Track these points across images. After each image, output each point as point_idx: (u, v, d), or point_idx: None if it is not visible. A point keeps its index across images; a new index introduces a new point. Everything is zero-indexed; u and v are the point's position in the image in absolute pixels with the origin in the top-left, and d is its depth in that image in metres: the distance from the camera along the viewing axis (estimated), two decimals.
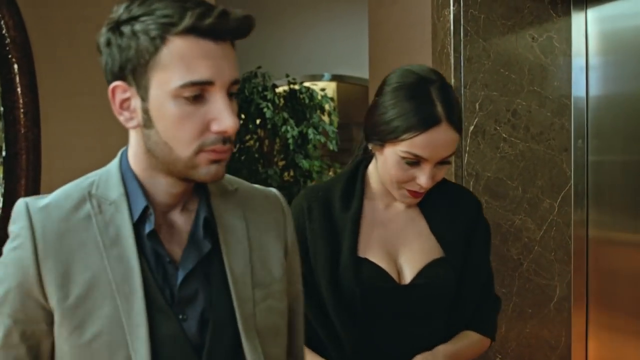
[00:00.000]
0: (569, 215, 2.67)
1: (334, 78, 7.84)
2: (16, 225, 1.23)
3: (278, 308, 1.38)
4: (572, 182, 2.66)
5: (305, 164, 6.73)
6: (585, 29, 2.63)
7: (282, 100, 6.91)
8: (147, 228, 1.24)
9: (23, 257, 1.21)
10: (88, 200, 1.25)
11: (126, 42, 1.18)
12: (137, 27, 1.17)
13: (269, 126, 6.68)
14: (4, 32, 4.00)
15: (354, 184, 1.82)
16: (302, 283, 1.55)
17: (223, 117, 1.18)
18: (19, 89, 4.09)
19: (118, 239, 1.23)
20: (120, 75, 1.21)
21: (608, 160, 2.61)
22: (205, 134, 1.19)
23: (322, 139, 6.92)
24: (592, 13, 2.61)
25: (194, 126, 1.18)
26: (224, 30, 1.17)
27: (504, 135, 2.58)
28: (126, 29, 1.18)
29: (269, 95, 6.66)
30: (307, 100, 6.80)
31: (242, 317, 1.29)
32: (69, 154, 4.06)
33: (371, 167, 1.83)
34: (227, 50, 1.20)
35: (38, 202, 1.26)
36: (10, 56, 4.03)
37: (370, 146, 1.77)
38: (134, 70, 1.19)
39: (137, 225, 1.25)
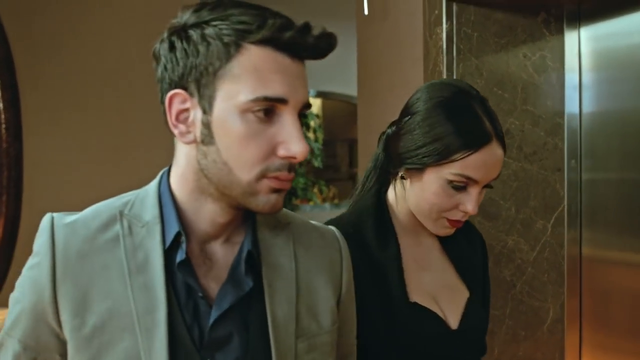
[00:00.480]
0: (562, 236, 2.64)
1: (319, 94, 7.82)
2: (38, 241, 1.13)
3: None
4: (566, 202, 2.63)
5: None
6: (579, 48, 2.60)
7: None
8: (179, 257, 1.11)
9: (39, 277, 1.09)
10: (118, 220, 1.14)
11: (193, 47, 1.07)
12: (209, 31, 1.06)
13: None
14: None
15: (383, 216, 1.62)
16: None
17: (293, 141, 1.07)
18: (0, 104, 4.03)
19: (146, 266, 1.11)
20: (180, 83, 1.09)
21: (601, 179, 2.58)
22: (271, 157, 1.08)
23: (308, 156, 6.90)
24: (585, 31, 2.60)
25: (260, 147, 1.07)
26: (303, 47, 1.08)
27: None
28: (195, 33, 1.07)
29: None
30: None
31: None
32: (52, 170, 4.02)
33: (391, 197, 1.66)
34: (300, 69, 1.10)
35: (65, 217, 1.15)
36: None
37: (401, 172, 1.58)
38: (199, 79, 1.07)
39: (169, 253, 1.13)
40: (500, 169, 1.52)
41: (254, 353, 1.14)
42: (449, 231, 1.59)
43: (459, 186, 1.50)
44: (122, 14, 4.36)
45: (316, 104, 8.14)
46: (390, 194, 1.65)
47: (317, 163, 7.04)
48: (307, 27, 1.08)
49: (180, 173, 1.16)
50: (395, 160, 1.59)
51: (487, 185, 1.53)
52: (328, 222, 1.58)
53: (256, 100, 1.05)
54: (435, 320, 1.55)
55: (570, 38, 2.61)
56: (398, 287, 1.54)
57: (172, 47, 1.09)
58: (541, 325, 2.63)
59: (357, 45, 3.55)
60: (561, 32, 2.60)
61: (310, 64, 1.15)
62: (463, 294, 1.64)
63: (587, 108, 2.61)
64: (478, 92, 1.57)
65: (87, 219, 1.14)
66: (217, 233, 1.18)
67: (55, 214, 1.15)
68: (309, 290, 1.23)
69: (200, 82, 1.07)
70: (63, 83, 4.13)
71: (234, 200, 1.12)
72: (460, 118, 1.49)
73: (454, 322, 1.58)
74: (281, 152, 1.08)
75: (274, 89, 1.05)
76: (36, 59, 4.06)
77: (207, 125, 1.08)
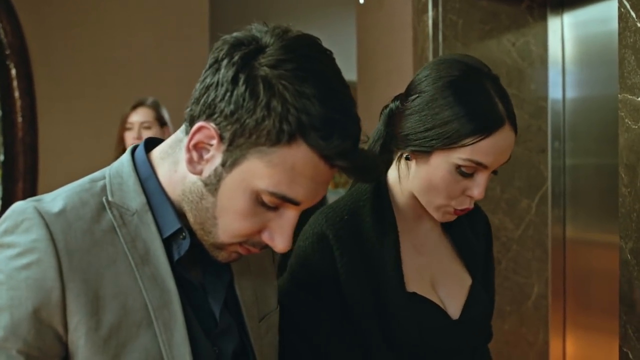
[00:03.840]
0: (546, 215, 2.74)
1: None
2: (27, 235, 0.99)
3: (276, 343, 1.27)
4: (549, 182, 2.73)
5: None
6: (562, 34, 2.69)
7: None
8: (176, 254, 1.07)
9: (43, 278, 0.97)
10: (107, 208, 1.05)
11: (253, 102, 0.96)
12: (276, 100, 0.95)
13: None
14: (1, 37, 4.08)
15: (382, 202, 1.50)
16: (330, 328, 1.41)
17: (282, 236, 1.04)
18: (16, 93, 4.17)
19: (148, 257, 1.05)
20: (219, 121, 0.99)
21: (584, 161, 2.67)
22: (255, 235, 1.05)
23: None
24: (568, 18, 2.68)
25: (251, 226, 1.03)
26: (354, 168, 1.02)
27: None
28: (263, 88, 0.96)
29: None
30: None
31: (260, 356, 1.17)
32: (66, 157, 4.14)
33: (391, 178, 1.53)
34: (332, 174, 1.03)
35: (49, 206, 1.02)
36: (7, 61, 4.12)
37: (406, 154, 1.45)
38: (238, 136, 0.98)
39: (165, 243, 1.07)
40: (510, 154, 1.42)
41: (242, 340, 1.16)
42: (451, 218, 1.47)
43: (467, 173, 1.38)
44: (134, 4, 4.48)
45: None
46: (392, 174, 1.53)
47: None
48: (367, 156, 1.03)
49: (176, 179, 1.09)
50: (400, 141, 1.46)
51: (494, 171, 1.42)
52: (325, 211, 1.50)
53: (273, 194, 0.99)
54: (434, 311, 1.47)
55: (554, 24, 2.70)
56: (395, 277, 1.44)
57: (235, 81, 0.98)
58: (526, 301, 2.73)
59: (357, 34, 3.65)
60: (544, 19, 2.69)
61: None
62: (465, 280, 1.55)
63: (570, 92, 2.70)
64: (489, 69, 1.44)
65: (76, 209, 1.04)
66: None
67: (33, 203, 1.03)
68: (259, 275, 1.23)
69: (236, 138, 0.99)
70: (76, 73, 4.25)
71: (200, 240, 1.09)
72: (472, 100, 1.37)
73: (455, 311, 1.50)
74: (265, 236, 1.05)
75: (297, 193, 1.00)
76: (49, 49, 4.18)
77: (218, 176, 1.02)
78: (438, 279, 1.52)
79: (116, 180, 1.09)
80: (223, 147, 1.00)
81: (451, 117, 1.36)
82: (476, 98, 1.36)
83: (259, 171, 0.98)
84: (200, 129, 1.00)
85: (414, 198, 1.50)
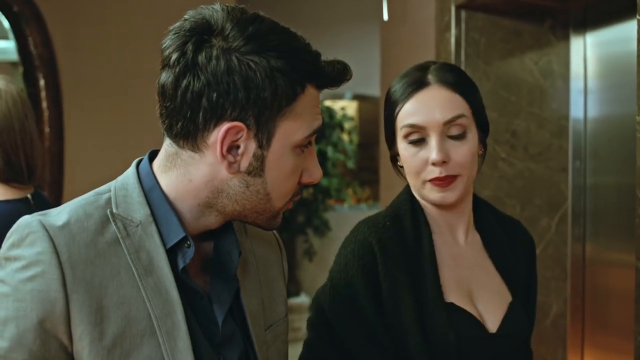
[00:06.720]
0: (565, 234, 2.74)
1: (356, 97, 7.93)
2: (31, 248, 1.02)
3: (284, 351, 1.29)
4: (570, 201, 2.73)
5: (324, 181, 6.81)
6: (584, 53, 2.70)
7: None
8: (181, 262, 1.09)
9: (47, 289, 1.00)
10: (112, 220, 1.07)
11: (260, 79, 1.02)
12: (275, 64, 1.03)
13: None
14: (31, 48, 4.15)
15: (416, 212, 1.55)
16: (374, 331, 1.44)
17: (316, 168, 1.14)
18: (44, 104, 4.23)
19: (152, 267, 1.07)
20: (239, 115, 1.04)
21: (605, 180, 2.67)
22: (298, 184, 1.14)
23: (341, 157, 7.00)
24: (591, 37, 2.69)
25: (297, 177, 1.12)
26: (334, 83, 1.12)
27: (502, 155, 2.66)
28: (257, 64, 1.03)
29: None
30: (326, 119, 6.90)
31: None
32: (91, 167, 4.19)
33: None
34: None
35: (54, 220, 1.05)
36: (37, 72, 4.18)
37: (399, 161, 1.55)
38: (261, 113, 1.04)
39: (168, 253, 1.09)
40: (456, 111, 1.45)
41: (246, 348, 1.18)
42: (443, 195, 1.48)
43: (415, 140, 1.46)
44: (161, 15, 4.53)
45: (352, 107, 8.27)
46: None
47: (350, 164, 7.16)
48: (344, 66, 1.11)
49: (192, 188, 1.10)
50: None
51: (457, 136, 1.46)
52: (368, 220, 1.54)
53: (310, 135, 1.09)
54: (472, 322, 1.48)
55: (576, 44, 2.71)
56: (434, 287, 1.47)
57: (230, 71, 1.02)
58: (544, 320, 2.72)
59: (380, 49, 3.67)
60: (567, 38, 2.70)
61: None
62: (505, 297, 1.55)
63: (591, 111, 2.70)
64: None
65: (80, 221, 1.06)
66: (205, 235, 1.17)
67: (38, 217, 1.06)
68: (267, 283, 1.27)
69: (261, 117, 1.04)
70: (103, 84, 4.30)
71: (255, 221, 1.15)
72: (405, 79, 1.50)
73: (492, 325, 1.50)
74: (305, 178, 1.13)
75: (318, 121, 1.10)
76: (78, 60, 4.24)
77: (259, 158, 1.07)
78: (476, 292, 1.52)
79: (121, 192, 1.11)
80: (252, 132, 1.05)
81: (390, 100, 1.51)
82: (408, 77, 1.51)
83: (292, 128, 1.07)
84: (227, 132, 1.04)
85: (442, 211, 1.54)
